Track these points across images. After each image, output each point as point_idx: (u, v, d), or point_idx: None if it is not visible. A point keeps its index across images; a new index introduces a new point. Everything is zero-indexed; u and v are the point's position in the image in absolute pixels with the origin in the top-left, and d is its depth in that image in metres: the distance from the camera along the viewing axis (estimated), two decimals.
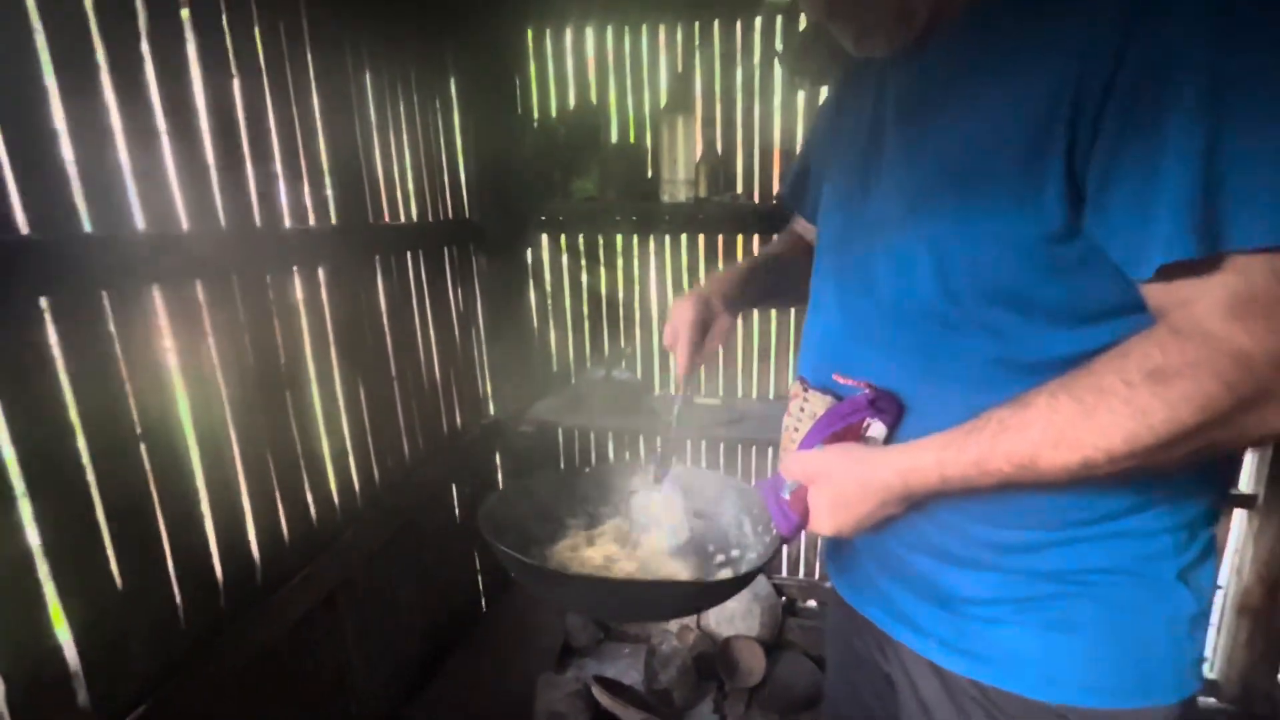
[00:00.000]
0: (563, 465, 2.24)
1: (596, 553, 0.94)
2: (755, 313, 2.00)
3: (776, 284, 1.02)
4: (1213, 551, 0.67)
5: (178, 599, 0.97)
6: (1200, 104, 0.47)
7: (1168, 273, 0.50)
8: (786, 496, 0.73)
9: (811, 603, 2.18)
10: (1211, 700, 1.83)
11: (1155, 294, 0.53)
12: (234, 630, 1.05)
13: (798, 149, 1.81)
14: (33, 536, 0.78)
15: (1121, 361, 0.53)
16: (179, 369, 0.99)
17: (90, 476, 0.84)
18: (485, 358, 1.96)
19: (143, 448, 0.91)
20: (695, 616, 2.07)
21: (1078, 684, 0.65)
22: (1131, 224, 0.51)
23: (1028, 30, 0.56)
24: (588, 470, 1.12)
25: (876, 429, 0.68)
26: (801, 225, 1.05)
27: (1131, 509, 0.63)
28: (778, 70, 1.77)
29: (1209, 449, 0.52)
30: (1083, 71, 0.51)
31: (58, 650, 0.81)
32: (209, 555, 1.03)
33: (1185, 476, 0.61)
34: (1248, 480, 1.74)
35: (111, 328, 0.87)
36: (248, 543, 1.11)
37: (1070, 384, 0.54)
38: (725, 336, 0.94)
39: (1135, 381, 0.51)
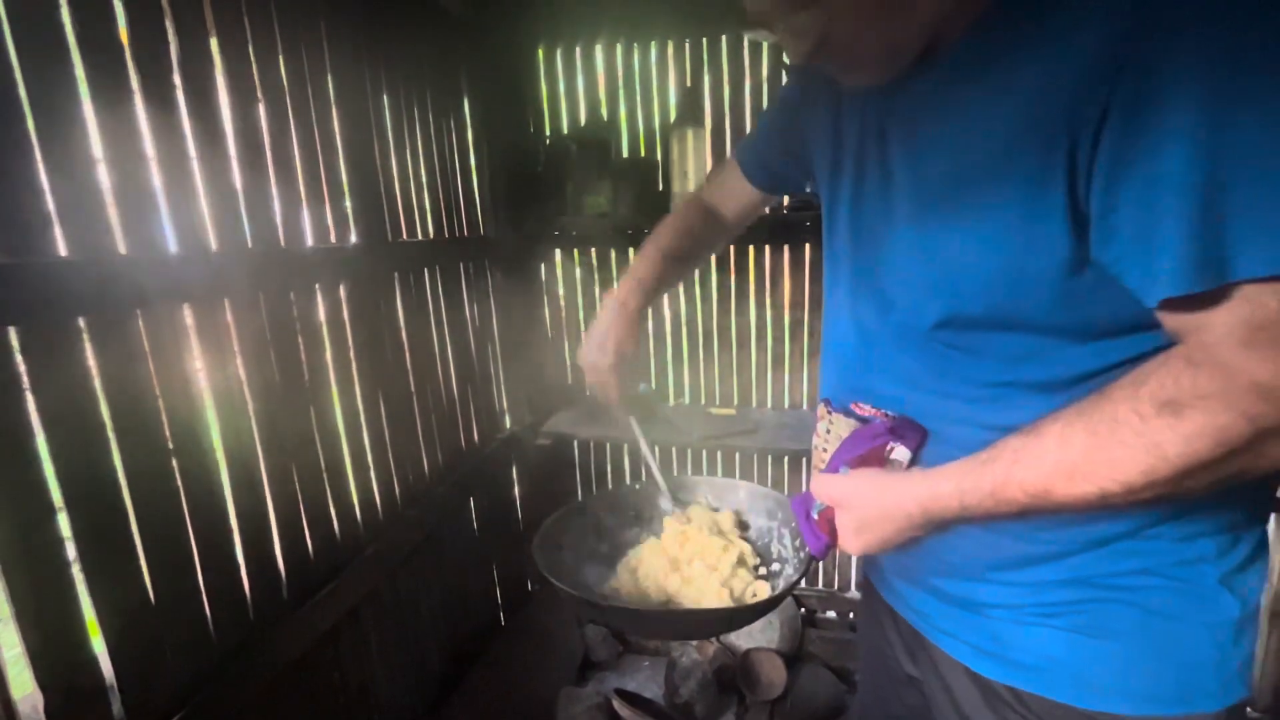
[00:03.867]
0: (579, 476, 2.25)
1: (649, 573, 0.96)
2: (769, 322, 2.00)
3: (677, 277, 1.05)
4: (1262, 554, 0.65)
5: (208, 612, 0.99)
6: (1197, 133, 0.45)
7: (1176, 304, 0.49)
8: (815, 517, 0.75)
9: (832, 614, 2.16)
10: (1246, 710, 1.78)
11: (1167, 320, 0.52)
12: (262, 643, 1.06)
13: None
14: (70, 549, 0.80)
15: (1135, 390, 0.51)
16: (208, 386, 1.02)
17: (125, 490, 0.86)
18: (501, 372, 1.98)
19: (174, 462, 0.94)
20: None
21: (1114, 690, 0.64)
22: (1137, 254, 0.50)
23: (1026, 57, 0.55)
24: (638, 486, 1.14)
25: (900, 453, 0.69)
26: (728, 193, 1.05)
27: (1169, 516, 0.61)
28: (786, 80, 1.79)
29: (1237, 476, 0.50)
30: (1079, 97, 0.50)
31: (93, 661, 0.82)
32: (237, 569, 1.05)
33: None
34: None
35: (145, 345, 0.90)
36: (274, 557, 1.12)
37: (1085, 412, 0.53)
38: (624, 352, 0.97)
39: (1148, 414, 0.50)
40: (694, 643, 2.04)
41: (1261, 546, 0.65)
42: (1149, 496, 0.52)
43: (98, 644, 0.84)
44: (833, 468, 0.73)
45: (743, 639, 2.01)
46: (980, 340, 0.63)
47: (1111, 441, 0.51)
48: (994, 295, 0.60)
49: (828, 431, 0.79)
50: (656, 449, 1.03)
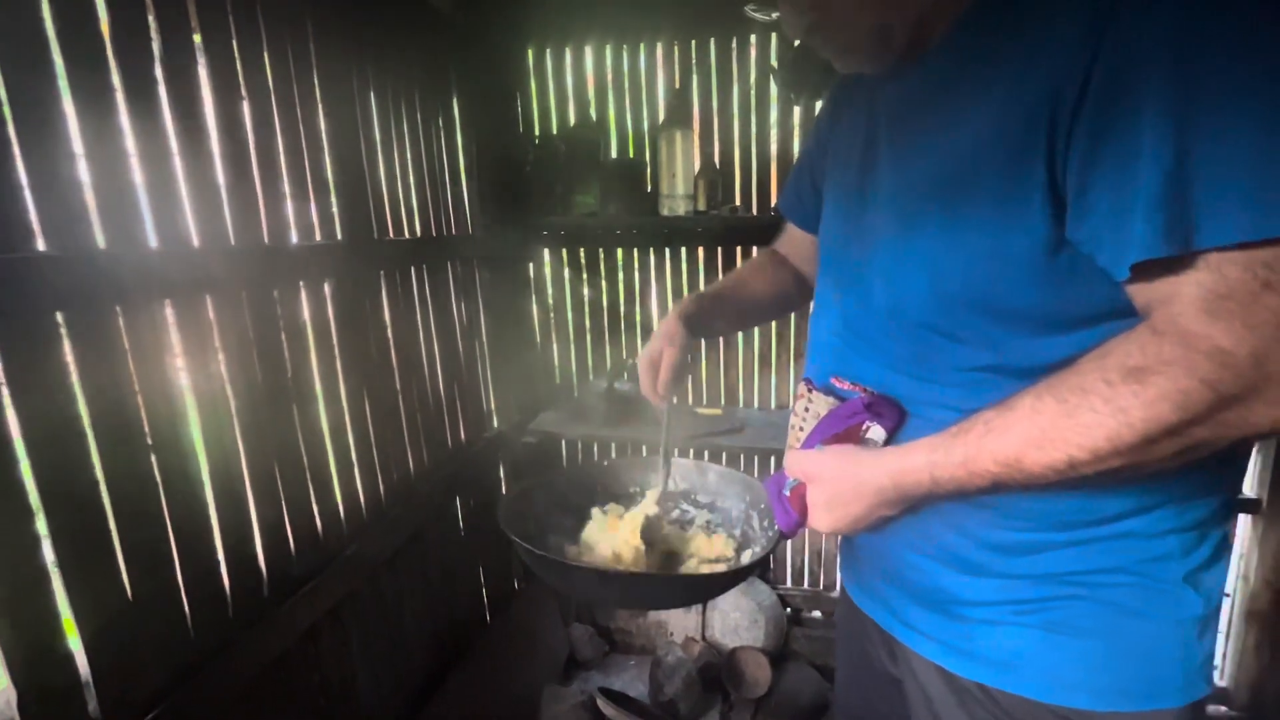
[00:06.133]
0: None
1: (613, 541, 0.96)
2: None
3: (738, 318, 1.07)
4: (1224, 553, 0.66)
5: (186, 609, 0.99)
6: (1167, 108, 0.48)
7: (1146, 272, 0.52)
8: (788, 494, 0.75)
9: (816, 613, 2.17)
10: (1222, 708, 1.81)
11: (1137, 294, 0.54)
12: (242, 641, 1.06)
13: (795, 161, 1.85)
14: (46, 547, 0.80)
15: (1102, 360, 0.53)
16: (189, 383, 1.01)
17: (103, 488, 0.86)
18: (488, 370, 1.98)
19: (154, 460, 0.93)
20: (700, 628, 2.06)
21: (1082, 686, 0.65)
22: (1109, 227, 0.52)
23: (1006, 48, 0.58)
24: (605, 463, 1.15)
25: (876, 432, 0.70)
26: (789, 243, 1.08)
27: (1136, 510, 0.63)
28: (774, 85, 1.80)
29: (1196, 447, 0.52)
30: (1057, 84, 0.53)
31: (69, 659, 0.82)
32: (217, 566, 1.05)
33: (1191, 474, 0.60)
34: (1252, 484, 1.74)
35: (125, 342, 0.89)
36: (255, 554, 1.12)
37: (1054, 385, 0.55)
38: (673, 368, 0.96)
39: (1115, 380, 0.52)
40: (680, 641, 2.05)
41: (1224, 546, 0.67)
42: (1117, 464, 0.53)
43: (74, 641, 0.83)
44: (808, 446, 0.74)
45: (729, 637, 2.02)
46: (961, 325, 0.64)
47: (1081, 408, 0.53)
48: (973, 275, 0.61)
49: (806, 410, 0.80)
50: (674, 453, 1.05)
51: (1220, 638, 1.85)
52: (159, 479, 0.94)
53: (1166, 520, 0.63)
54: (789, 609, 2.14)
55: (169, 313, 0.97)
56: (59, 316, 0.81)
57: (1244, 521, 1.76)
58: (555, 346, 2.20)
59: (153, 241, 0.95)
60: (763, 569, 2.14)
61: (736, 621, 2.02)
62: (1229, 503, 0.67)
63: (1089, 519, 0.64)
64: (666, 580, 0.91)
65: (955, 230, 0.62)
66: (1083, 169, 0.53)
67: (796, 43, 1.00)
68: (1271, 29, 0.47)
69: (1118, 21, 0.50)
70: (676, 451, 1.06)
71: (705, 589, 0.90)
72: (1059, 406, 0.54)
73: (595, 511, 1.02)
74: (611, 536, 0.95)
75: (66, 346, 0.82)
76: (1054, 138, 0.54)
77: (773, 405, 2.07)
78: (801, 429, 0.79)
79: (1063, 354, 0.59)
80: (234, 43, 1.08)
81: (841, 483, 0.68)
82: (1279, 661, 1.74)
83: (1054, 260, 0.57)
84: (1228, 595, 1.85)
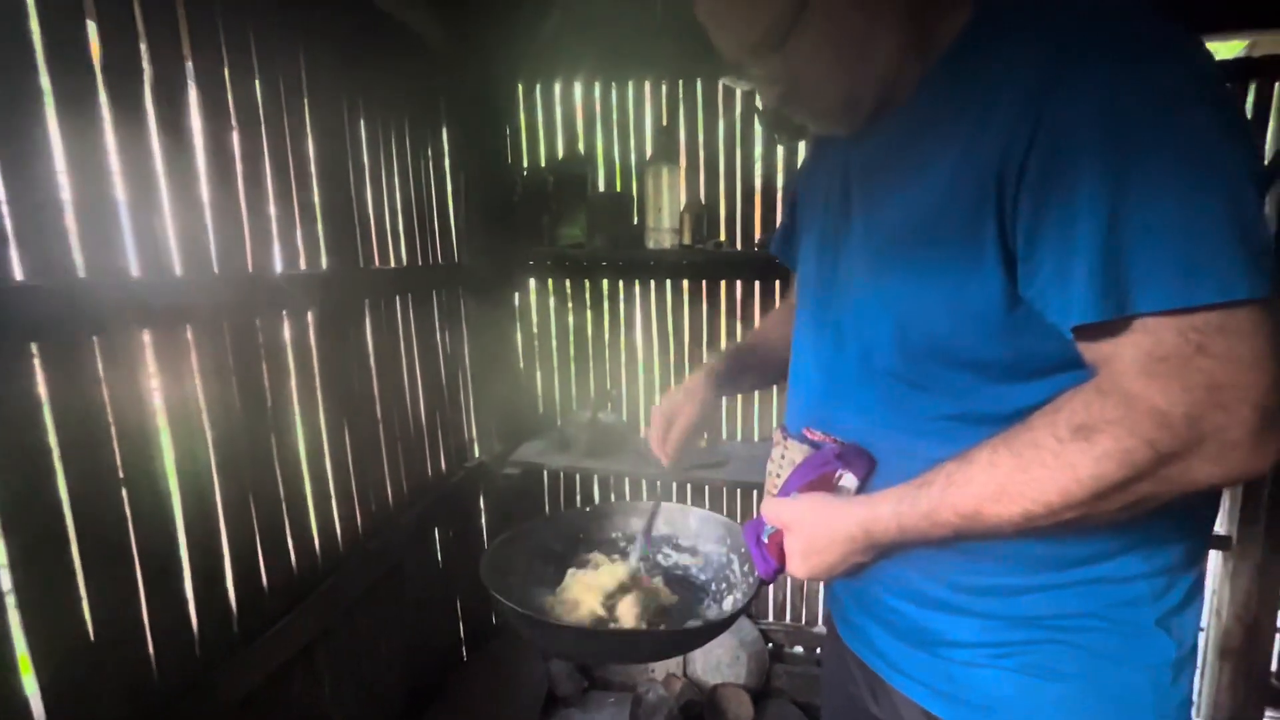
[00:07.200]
0: (548, 508, 2.23)
1: (595, 595, 0.94)
2: None
3: (764, 372, 1.07)
4: (1197, 596, 0.68)
5: (151, 649, 0.95)
6: (1100, 181, 0.51)
7: (1089, 333, 0.54)
8: (765, 540, 0.76)
9: (798, 649, 2.15)
10: None
11: (1084, 351, 0.57)
12: (208, 683, 1.01)
13: (779, 199, 1.89)
14: (5, 581, 0.76)
15: (1053, 416, 0.56)
16: (165, 413, 0.99)
17: (69, 521, 0.83)
18: (471, 400, 1.97)
19: (124, 493, 0.90)
20: (681, 664, 2.03)
21: None
22: (1054, 289, 0.55)
23: (961, 115, 0.61)
24: (588, 509, 1.14)
25: (848, 480, 0.72)
26: (791, 286, 1.10)
27: (1106, 554, 0.64)
28: (758, 124, 1.85)
29: (1142, 501, 0.54)
30: (1004, 152, 0.56)
31: (23, 703, 0.78)
32: (185, 604, 1.01)
33: (1161, 521, 0.61)
34: (1222, 521, 1.78)
35: (100, 371, 0.87)
36: (226, 591, 1.08)
37: (1010, 439, 0.58)
38: (688, 431, 0.98)
39: (1065, 437, 0.54)
40: (660, 678, 2.01)
41: (1196, 589, 0.68)
42: (1069, 518, 0.55)
43: (29, 683, 0.79)
44: (784, 493, 0.76)
45: (710, 674, 1.99)
46: (925, 373, 0.66)
47: (1033, 463, 0.55)
48: (935, 325, 0.64)
49: (782, 457, 0.81)
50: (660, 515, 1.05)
51: (1195, 676, 1.87)
52: (128, 512, 0.91)
53: (1136, 565, 0.64)
54: (770, 644, 2.11)
55: (147, 342, 0.95)
56: (33, 347, 0.79)
57: (1215, 558, 1.79)
58: (539, 376, 2.19)
59: (135, 269, 0.93)
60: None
61: (719, 658, 1.99)
62: (1200, 548, 0.68)
63: (1058, 563, 0.65)
64: (650, 636, 0.90)
65: (918, 282, 0.65)
66: (1029, 231, 0.56)
67: None
68: (1193, 107, 0.50)
69: (1053, 100, 0.53)
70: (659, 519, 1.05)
71: (689, 642, 0.90)
72: (1014, 460, 0.56)
73: (572, 571, 1.01)
74: (587, 593, 0.94)
75: (39, 377, 0.80)
76: (1002, 200, 0.57)
77: (755, 438, 2.08)
78: (778, 476, 0.81)
79: (1022, 404, 0.61)
80: (225, 70, 1.09)
81: (816, 530, 0.70)
82: (1253, 698, 1.76)
83: (1010, 313, 0.60)
84: (1202, 630, 1.87)
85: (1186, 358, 0.50)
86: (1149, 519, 0.59)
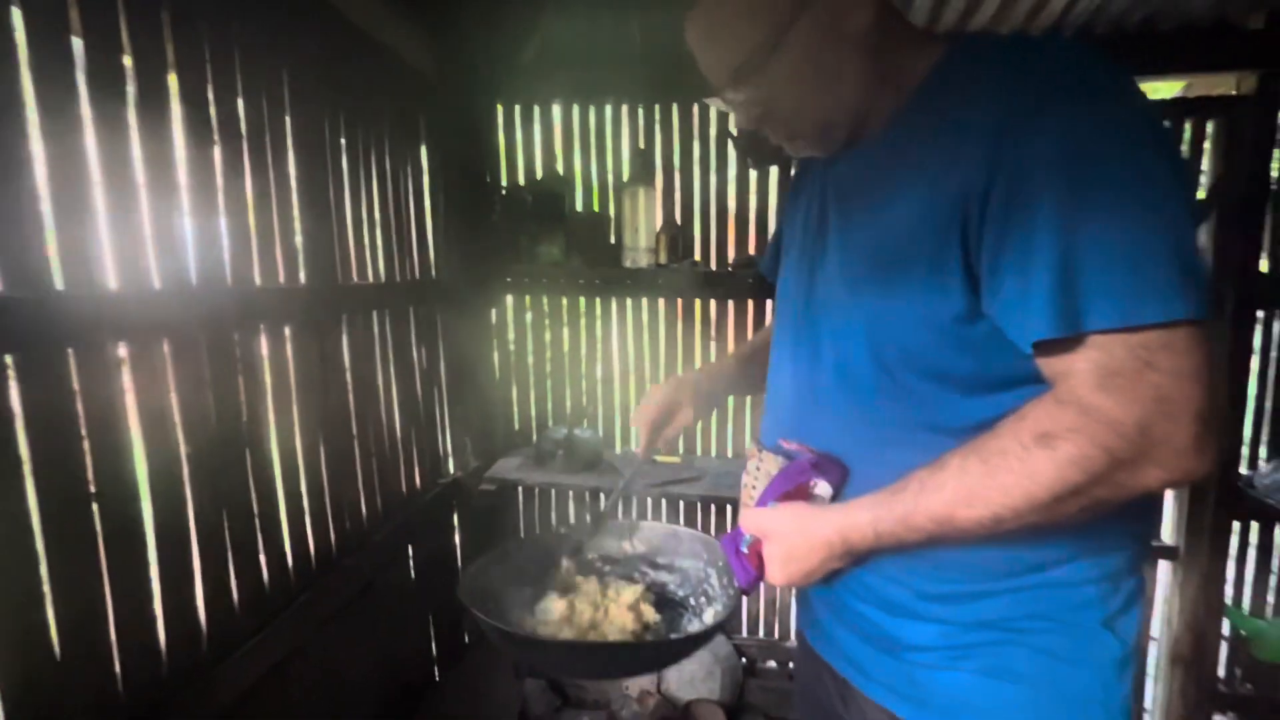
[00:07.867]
0: (523, 524, 2.22)
1: (569, 610, 0.96)
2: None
3: (749, 382, 1.12)
4: (1138, 599, 0.73)
5: (118, 668, 0.93)
6: (1058, 211, 0.56)
7: (1047, 349, 0.59)
8: (744, 550, 0.78)
9: (772, 663, 2.17)
10: None
11: (1043, 366, 0.62)
12: (175, 703, 0.99)
13: (752, 221, 1.95)
14: None
15: (1018, 426, 0.61)
16: (139, 427, 0.98)
17: (38, 536, 0.81)
18: (447, 416, 1.96)
19: (95, 508, 0.89)
20: (656, 681, 2.03)
21: None
22: (1014, 307, 0.60)
23: (932, 145, 0.67)
24: (563, 530, 1.15)
25: (822, 488, 0.75)
26: None
27: (1057, 560, 0.69)
28: (732, 148, 1.91)
29: (1098, 504, 0.59)
30: (969, 182, 0.62)
31: None
32: (153, 621, 0.99)
33: (1106, 529, 0.67)
34: (1170, 533, 1.86)
35: (75, 384, 0.86)
36: (195, 608, 1.06)
37: (979, 447, 0.62)
38: (683, 425, 1.05)
39: (1029, 444, 0.59)
40: (634, 695, 2.01)
41: (1138, 592, 0.73)
42: (1033, 520, 0.60)
43: None
44: (762, 503, 0.78)
45: (684, 690, 1.99)
46: (896, 385, 0.71)
47: (1000, 469, 0.60)
48: (906, 339, 0.69)
49: (758, 469, 0.84)
50: (622, 503, 1.09)
51: (1149, 683, 1.94)
52: (98, 528, 0.90)
53: (1085, 570, 0.69)
54: (744, 659, 2.13)
55: (124, 355, 0.95)
56: (8, 359, 0.78)
57: (1164, 568, 1.87)
58: (516, 392, 2.20)
59: (112, 282, 0.93)
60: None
61: (693, 673, 2.00)
62: (1141, 553, 0.74)
63: (1015, 569, 0.69)
64: (640, 648, 0.92)
65: (890, 298, 0.70)
66: (992, 255, 0.61)
67: None
68: (1139, 148, 0.56)
69: (1014, 137, 0.59)
70: (636, 515, 1.08)
71: (680, 651, 0.91)
72: (982, 467, 0.61)
73: (552, 595, 1.02)
74: (566, 609, 0.96)
75: (13, 390, 0.79)
76: (967, 227, 0.63)
77: (730, 454, 2.11)
78: (755, 487, 0.83)
79: (986, 415, 0.65)
80: (209, 87, 1.10)
81: (795, 538, 0.73)
82: (1203, 704, 1.83)
83: (972, 328, 0.65)
84: (1155, 639, 1.95)
85: (1138, 372, 0.55)
86: (1097, 527, 0.64)
